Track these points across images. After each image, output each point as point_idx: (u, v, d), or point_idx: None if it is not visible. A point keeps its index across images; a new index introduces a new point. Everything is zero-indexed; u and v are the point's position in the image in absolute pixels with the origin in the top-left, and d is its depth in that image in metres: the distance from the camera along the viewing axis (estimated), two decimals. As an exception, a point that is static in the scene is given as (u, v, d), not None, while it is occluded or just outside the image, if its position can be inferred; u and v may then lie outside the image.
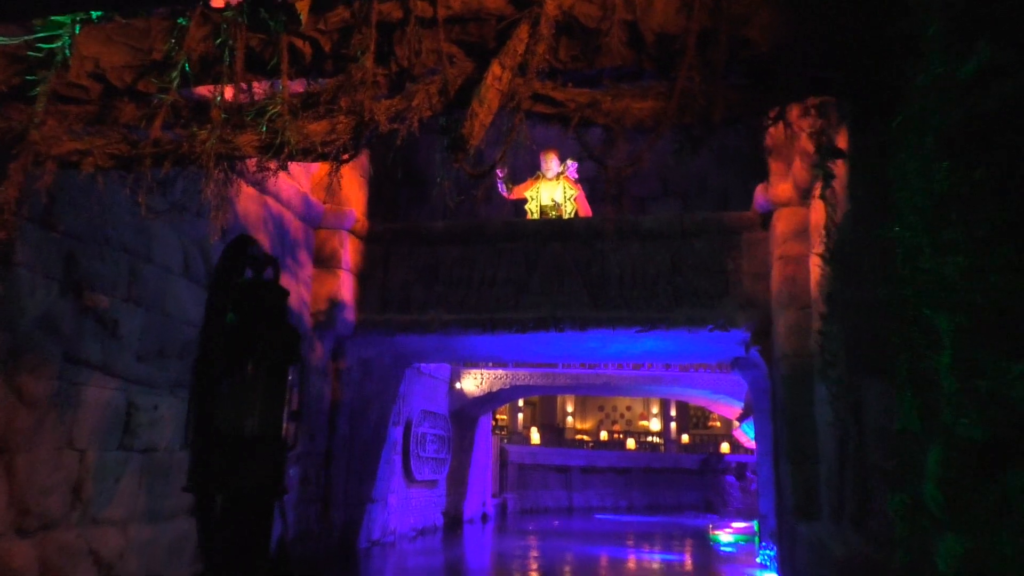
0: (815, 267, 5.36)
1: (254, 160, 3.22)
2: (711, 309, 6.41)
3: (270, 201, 6.00)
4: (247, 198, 5.65)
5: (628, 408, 28.98)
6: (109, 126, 3.10)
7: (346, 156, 3.22)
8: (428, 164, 9.01)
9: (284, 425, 2.92)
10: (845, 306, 3.70)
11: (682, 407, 24.56)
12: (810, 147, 4.92)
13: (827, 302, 4.80)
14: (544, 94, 3.04)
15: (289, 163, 3.05)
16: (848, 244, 3.51)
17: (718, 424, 24.87)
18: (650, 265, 6.54)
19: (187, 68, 2.94)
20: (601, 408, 29.07)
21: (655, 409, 27.87)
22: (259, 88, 3.08)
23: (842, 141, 3.54)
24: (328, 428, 6.64)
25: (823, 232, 3.88)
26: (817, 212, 5.38)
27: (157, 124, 2.99)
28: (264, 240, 5.84)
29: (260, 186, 5.76)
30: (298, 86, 3.11)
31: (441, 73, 2.99)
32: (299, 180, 6.48)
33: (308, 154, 3.18)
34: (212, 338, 2.88)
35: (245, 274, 3.15)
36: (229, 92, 2.98)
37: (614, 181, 3.38)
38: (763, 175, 6.45)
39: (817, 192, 5.28)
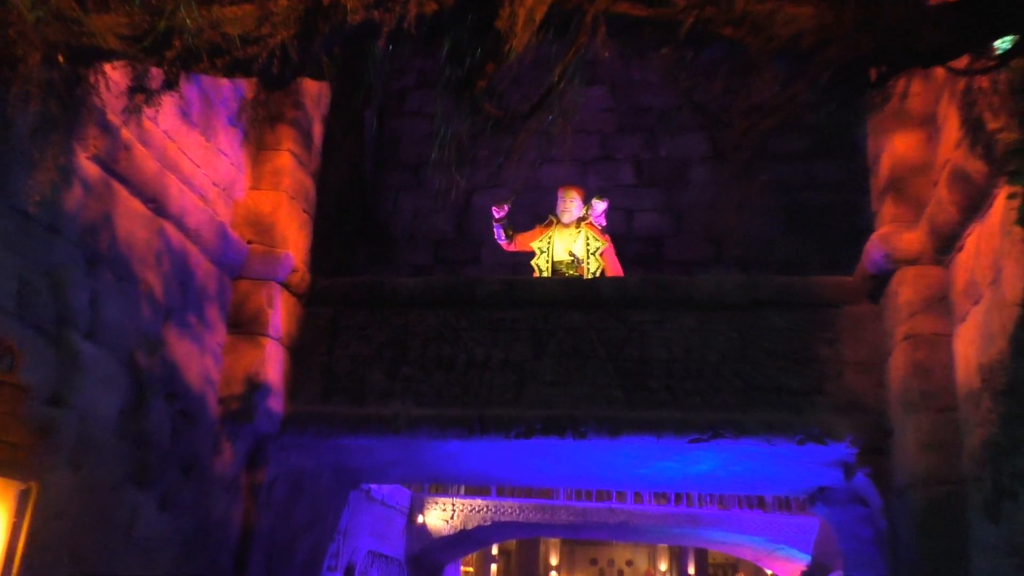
0: (967, 347, 4.54)
1: (121, 80, 2.21)
2: (798, 413, 5.68)
3: (168, 228, 5.05)
4: (131, 216, 4.71)
5: (629, 562, 27.52)
6: None
7: (285, 73, 2.21)
8: (394, 217, 8.33)
9: None
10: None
11: (701, 559, 23.03)
12: (975, 165, 4.11)
13: (1009, 395, 3.91)
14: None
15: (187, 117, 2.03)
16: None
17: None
18: (710, 348, 5.89)
19: None
20: (594, 561, 27.65)
21: (664, 564, 26.38)
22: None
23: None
24: (235, 572, 5.60)
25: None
26: (964, 269, 4.64)
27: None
28: (154, 283, 4.84)
29: (155, 203, 4.83)
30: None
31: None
32: (215, 205, 5.58)
33: (217, 59, 2.15)
34: None
35: None
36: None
37: (742, 143, 2.47)
38: (856, 237, 5.92)
39: (969, 237, 4.53)
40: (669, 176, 8.24)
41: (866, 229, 5.98)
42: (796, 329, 5.81)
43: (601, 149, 8.40)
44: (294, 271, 5.99)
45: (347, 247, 7.91)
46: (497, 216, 6.76)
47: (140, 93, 2.27)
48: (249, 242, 5.83)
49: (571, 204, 6.83)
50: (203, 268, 5.45)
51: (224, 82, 5.54)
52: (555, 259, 6.74)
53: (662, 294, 5.97)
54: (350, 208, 7.92)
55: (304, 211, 6.32)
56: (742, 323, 5.85)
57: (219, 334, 5.65)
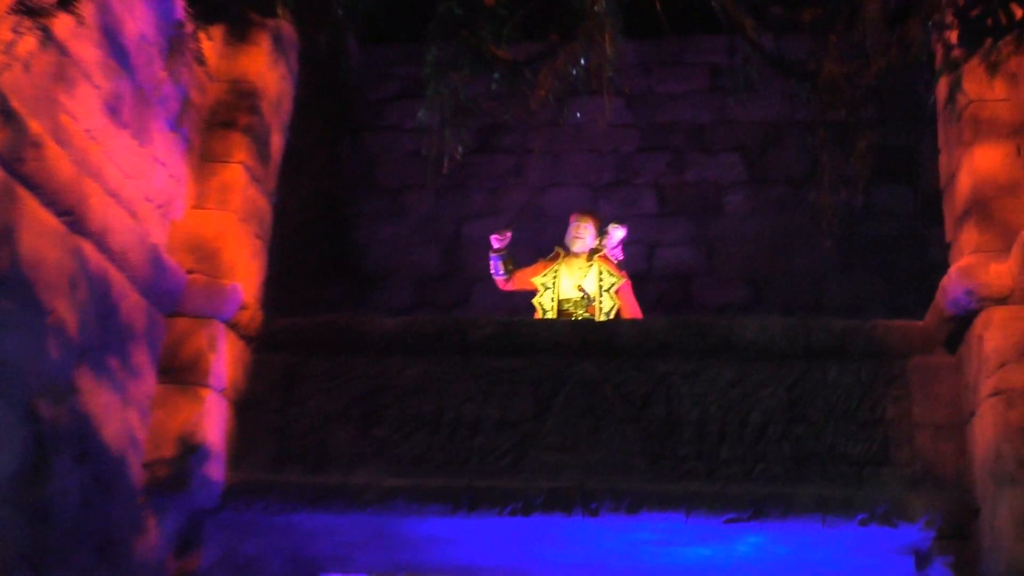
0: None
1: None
2: (859, 486, 5.58)
3: (87, 248, 4.79)
4: (40, 231, 4.45)
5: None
6: None
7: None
8: (369, 250, 8.20)
9: None
10: None
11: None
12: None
13: None
14: None
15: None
16: None
17: None
18: (752, 406, 5.77)
19: None
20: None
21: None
22: None
23: None
24: None
25: None
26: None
27: None
28: (66, 315, 4.55)
29: (71, 217, 4.58)
30: None
31: None
32: (148, 224, 5.36)
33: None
34: None
35: None
36: None
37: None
38: (925, 275, 6.08)
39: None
40: (698, 204, 8.04)
41: (936, 265, 5.90)
42: (857, 384, 5.74)
43: (617, 172, 8.12)
44: (243, 308, 5.82)
45: (312, 284, 7.71)
46: (496, 246, 6.65)
47: (27, 14, 1.96)
48: (189, 271, 5.66)
49: (584, 232, 6.75)
50: (130, 300, 5.18)
51: (163, 75, 5.36)
52: (561, 297, 6.64)
53: (695, 340, 5.84)
54: (317, 237, 7.72)
55: (257, 237, 6.19)
56: (792, 376, 5.77)
57: (147, 382, 5.42)
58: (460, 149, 3.34)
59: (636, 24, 8.76)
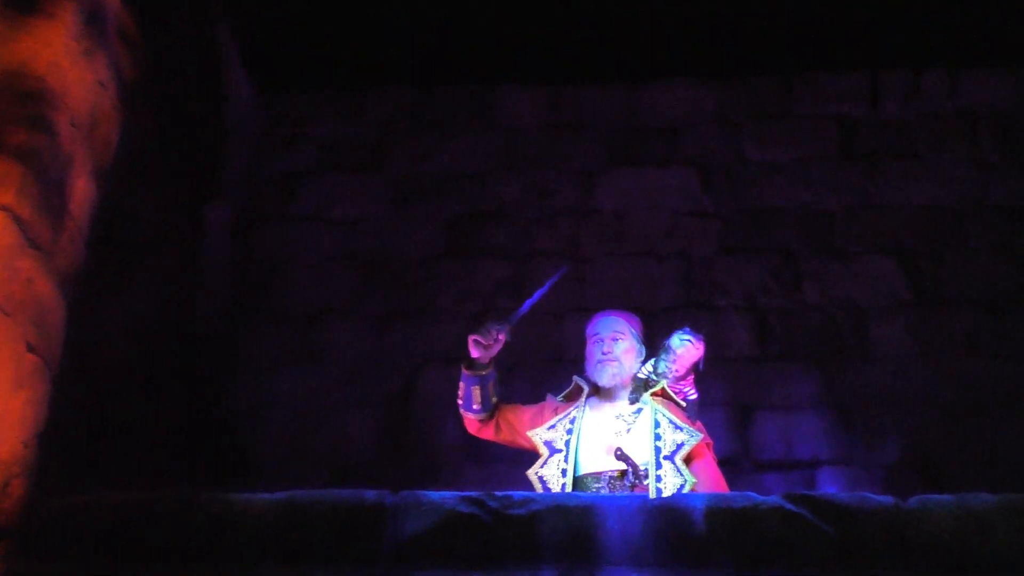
0: None
1: None
2: None
3: None
4: None
5: None
6: None
7: None
8: (261, 413, 8.09)
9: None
10: None
11: None
12: None
13: None
14: None
15: None
16: None
17: None
18: None
19: None
20: None
21: None
22: None
23: None
24: None
25: None
26: None
27: None
28: None
29: None
30: None
31: None
32: None
33: None
34: None
35: None
36: None
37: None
38: None
39: None
40: (825, 340, 7.69)
41: None
42: None
43: (684, 287, 7.63)
44: (-8, 472, 4.80)
45: (160, 460, 6.95)
46: (476, 354, 5.75)
47: None
48: None
49: (618, 347, 5.91)
50: None
51: None
52: (581, 464, 5.72)
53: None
54: (170, 379, 7.16)
55: (33, 349, 5.49)
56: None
57: None
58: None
59: (713, 56, 8.39)
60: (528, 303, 6.05)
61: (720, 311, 7.83)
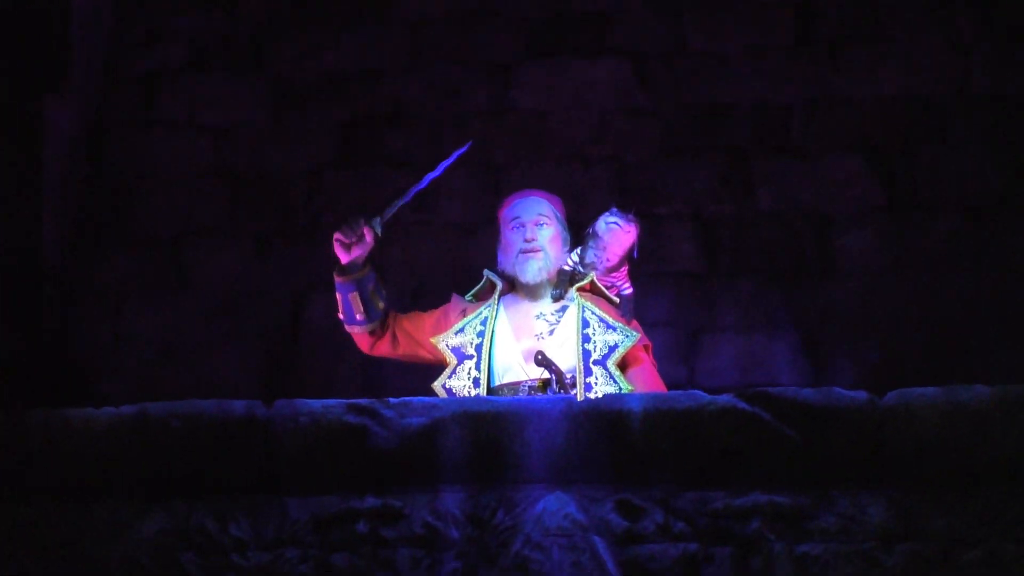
0: None
1: None
2: None
3: None
4: None
5: None
6: None
7: None
8: (114, 344, 7.74)
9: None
10: None
11: None
12: None
13: None
14: None
15: None
16: None
17: None
18: None
19: None
20: None
21: None
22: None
23: None
24: None
25: None
26: None
27: None
28: None
29: None
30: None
31: None
32: None
33: None
34: None
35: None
36: None
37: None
38: None
39: None
40: (781, 253, 7.27)
41: None
42: None
43: (618, 196, 7.02)
44: None
45: None
46: (345, 260, 5.35)
47: None
48: None
49: (543, 235, 5.49)
50: None
51: None
52: (496, 372, 5.42)
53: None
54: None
55: None
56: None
57: None
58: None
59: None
60: (413, 190, 5.62)
61: (660, 221, 7.29)
